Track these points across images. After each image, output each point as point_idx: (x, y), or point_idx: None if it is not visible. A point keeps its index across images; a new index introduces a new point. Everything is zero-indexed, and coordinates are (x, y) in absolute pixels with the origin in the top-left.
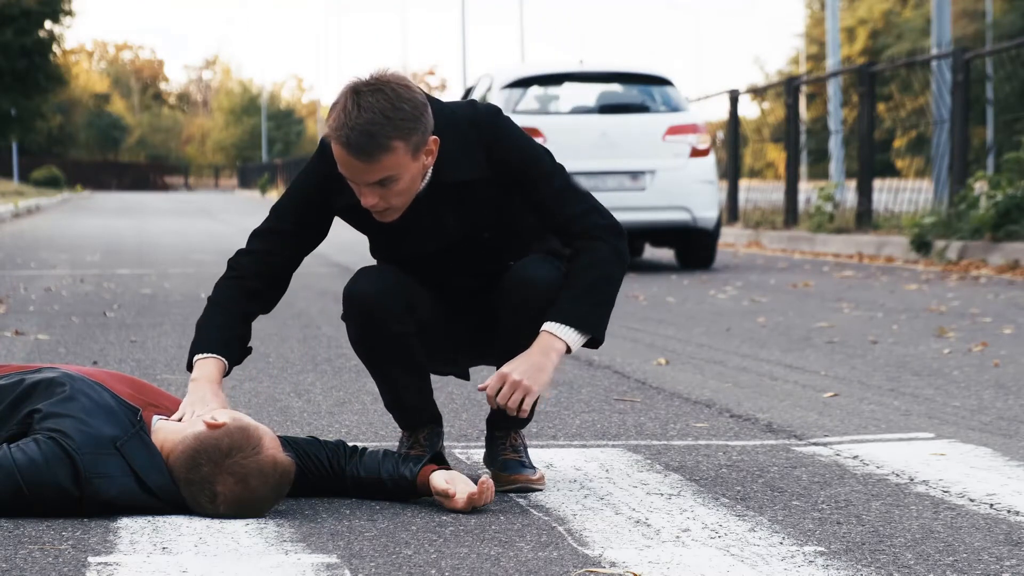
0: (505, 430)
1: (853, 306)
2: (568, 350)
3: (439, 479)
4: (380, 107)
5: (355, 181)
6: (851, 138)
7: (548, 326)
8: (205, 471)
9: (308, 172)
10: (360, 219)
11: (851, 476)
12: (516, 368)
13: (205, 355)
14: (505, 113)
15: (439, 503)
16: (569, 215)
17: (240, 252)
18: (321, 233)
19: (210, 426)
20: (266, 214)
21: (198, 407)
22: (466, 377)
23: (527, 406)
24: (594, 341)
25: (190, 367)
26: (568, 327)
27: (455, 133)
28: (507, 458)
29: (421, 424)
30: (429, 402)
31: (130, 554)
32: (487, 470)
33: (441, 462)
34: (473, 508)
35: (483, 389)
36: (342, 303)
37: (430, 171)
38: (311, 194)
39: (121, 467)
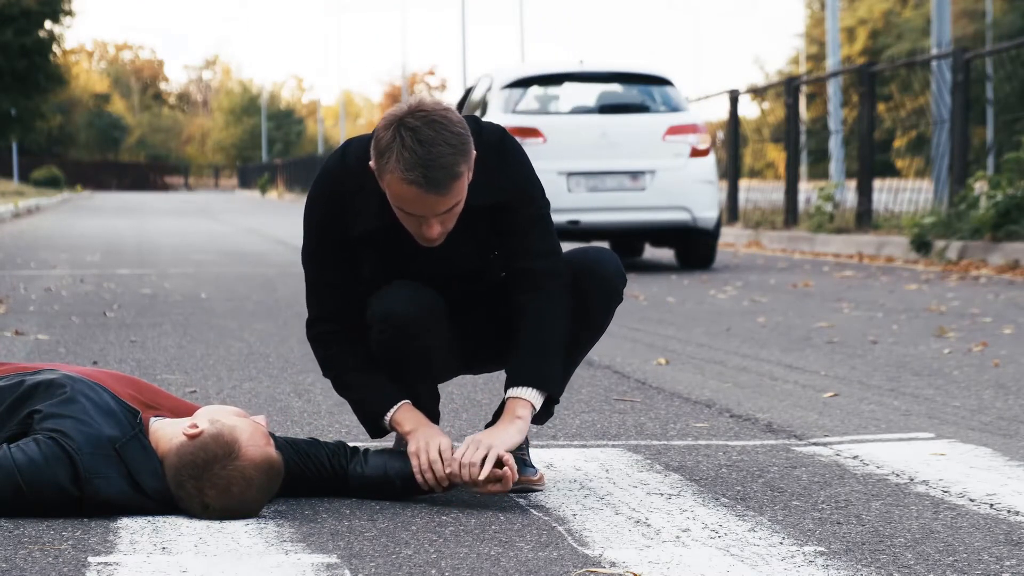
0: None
1: (853, 306)
2: (533, 409)
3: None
4: (443, 138)
5: (424, 215)
6: (851, 138)
7: (515, 391)
8: (189, 487)
9: (313, 207)
10: (375, 245)
11: (851, 476)
12: (484, 435)
13: (393, 409)
14: (505, 113)
15: (471, 489)
16: (536, 248)
17: (312, 322)
18: (358, 255)
19: (188, 436)
20: (266, 215)
21: (431, 441)
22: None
23: (490, 460)
24: (551, 399)
25: (378, 432)
26: (533, 389)
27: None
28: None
29: None
30: (436, 404)
31: (130, 554)
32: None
33: None
34: (476, 501)
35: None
36: (374, 319)
37: None
38: (328, 228)
39: (119, 468)
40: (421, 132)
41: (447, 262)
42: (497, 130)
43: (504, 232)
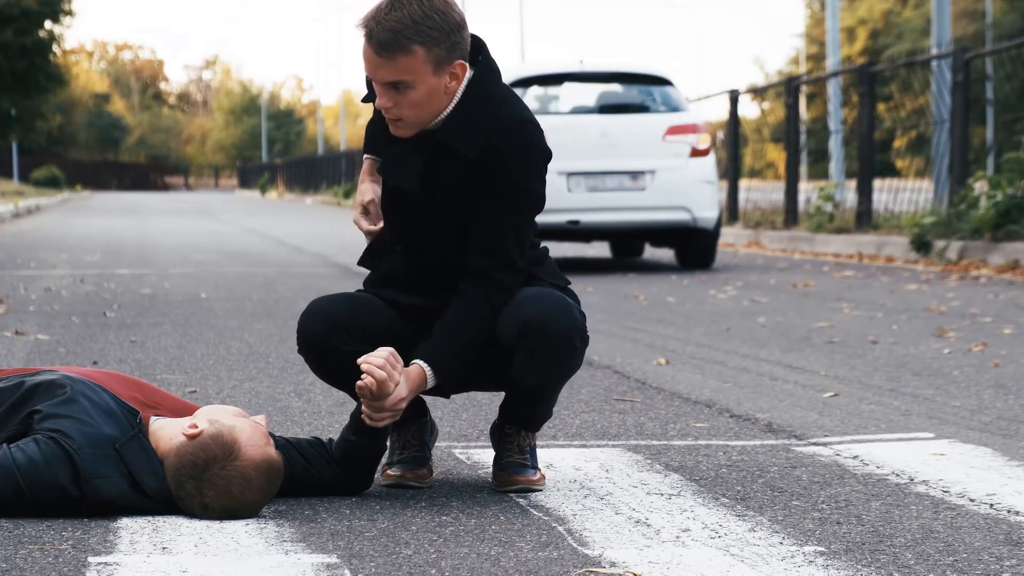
0: (516, 426)
1: (853, 306)
2: (423, 385)
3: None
4: (411, 11)
5: (373, 78)
6: (851, 138)
7: (423, 364)
8: (189, 487)
9: (366, 132)
10: (384, 170)
11: (851, 476)
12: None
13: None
14: None
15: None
16: (501, 254)
17: None
18: None
19: (188, 437)
20: (266, 215)
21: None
22: (446, 395)
23: (390, 405)
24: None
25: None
26: (432, 371)
27: (477, 108)
28: (511, 459)
29: (404, 423)
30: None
31: (130, 554)
32: (488, 469)
33: None
34: (476, 501)
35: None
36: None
37: (437, 123)
38: (368, 147)
39: (120, 468)
40: (401, 1)
41: (430, 202)
42: (528, 116)
43: (480, 218)
